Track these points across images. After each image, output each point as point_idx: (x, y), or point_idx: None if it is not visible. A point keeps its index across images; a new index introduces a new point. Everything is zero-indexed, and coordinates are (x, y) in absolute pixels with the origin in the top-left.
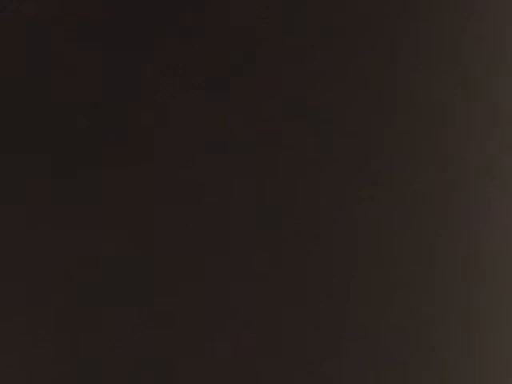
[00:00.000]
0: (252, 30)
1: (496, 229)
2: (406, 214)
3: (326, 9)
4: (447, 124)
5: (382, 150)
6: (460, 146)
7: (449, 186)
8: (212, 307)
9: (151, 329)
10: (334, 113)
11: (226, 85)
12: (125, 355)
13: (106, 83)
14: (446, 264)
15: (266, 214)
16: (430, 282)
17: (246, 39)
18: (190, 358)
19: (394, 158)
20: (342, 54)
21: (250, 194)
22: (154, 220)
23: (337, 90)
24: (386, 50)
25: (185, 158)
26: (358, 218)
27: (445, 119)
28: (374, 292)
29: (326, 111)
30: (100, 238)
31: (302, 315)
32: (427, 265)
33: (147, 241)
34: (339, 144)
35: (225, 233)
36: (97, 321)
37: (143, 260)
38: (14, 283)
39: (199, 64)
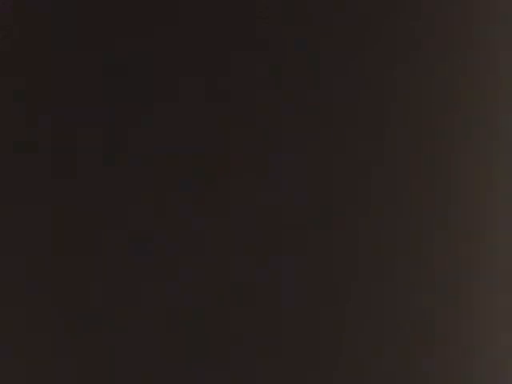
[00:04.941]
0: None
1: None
2: (406, 215)
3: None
4: (448, 126)
5: (382, 155)
6: (460, 147)
7: (448, 189)
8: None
9: None
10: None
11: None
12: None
13: None
14: (446, 265)
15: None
16: (429, 282)
17: (245, 40)
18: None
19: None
20: (342, 53)
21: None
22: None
23: (337, 91)
24: (386, 50)
25: None
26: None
27: (445, 121)
28: (373, 294)
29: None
30: None
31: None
32: (427, 266)
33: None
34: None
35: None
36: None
37: None
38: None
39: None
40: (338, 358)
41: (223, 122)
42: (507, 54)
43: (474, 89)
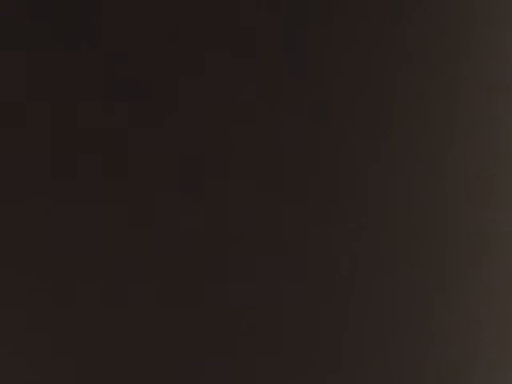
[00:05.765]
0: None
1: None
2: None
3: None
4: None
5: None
6: (460, 148)
7: (449, 192)
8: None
9: None
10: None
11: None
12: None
13: None
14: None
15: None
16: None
17: (246, 39)
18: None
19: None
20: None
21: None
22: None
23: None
24: (386, 51)
25: None
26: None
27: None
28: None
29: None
30: None
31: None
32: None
33: None
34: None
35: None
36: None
37: None
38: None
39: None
40: (337, 358)
41: (223, 121)
42: (507, 53)
43: (475, 89)
